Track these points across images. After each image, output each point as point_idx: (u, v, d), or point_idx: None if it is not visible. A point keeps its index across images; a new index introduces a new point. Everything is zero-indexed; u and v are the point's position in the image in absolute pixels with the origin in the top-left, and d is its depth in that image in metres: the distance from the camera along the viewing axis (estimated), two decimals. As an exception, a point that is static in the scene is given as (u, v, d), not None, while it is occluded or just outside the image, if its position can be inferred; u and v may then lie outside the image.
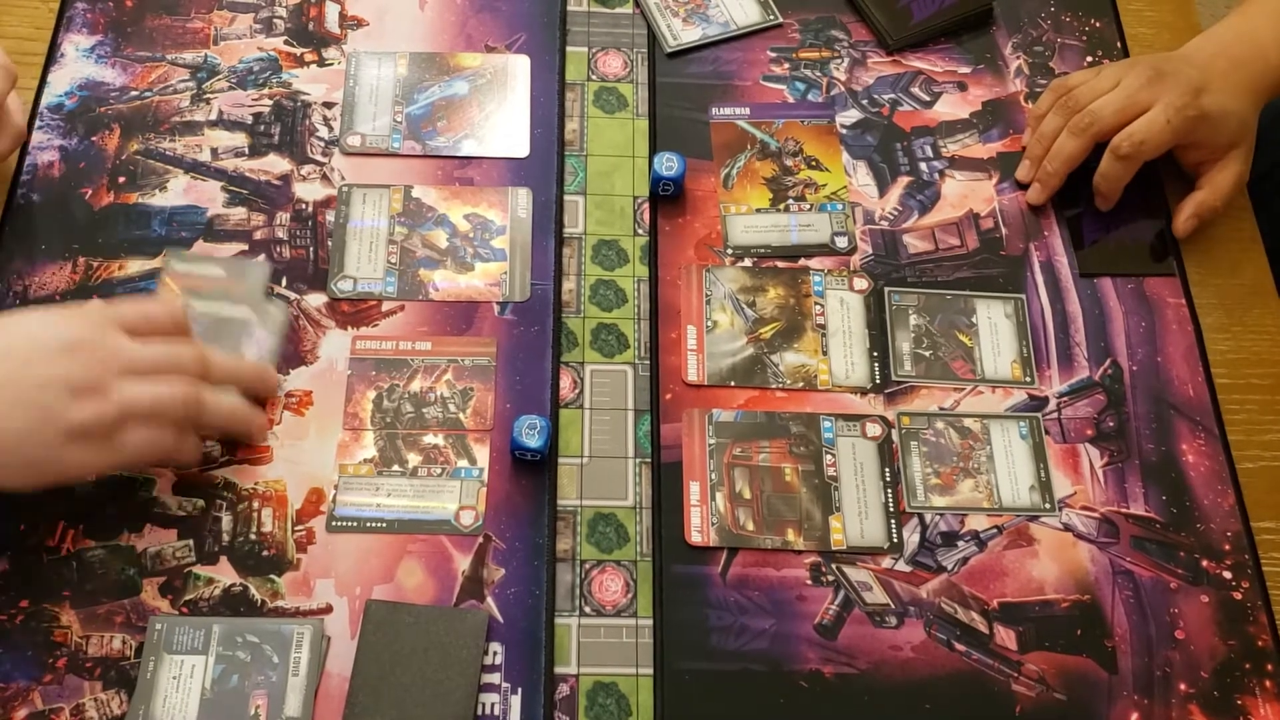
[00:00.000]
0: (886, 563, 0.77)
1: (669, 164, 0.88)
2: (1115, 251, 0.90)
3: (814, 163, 0.92)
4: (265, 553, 0.75)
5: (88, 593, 0.73)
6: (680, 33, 0.97)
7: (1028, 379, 0.84)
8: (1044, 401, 0.83)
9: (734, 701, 0.73)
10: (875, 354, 0.85)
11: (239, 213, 0.87)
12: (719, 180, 0.91)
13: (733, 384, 0.83)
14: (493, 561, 0.76)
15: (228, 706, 0.70)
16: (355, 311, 0.84)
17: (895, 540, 0.78)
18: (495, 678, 0.72)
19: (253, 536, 0.75)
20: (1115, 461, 0.82)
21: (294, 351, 0.82)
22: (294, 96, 0.92)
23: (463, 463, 0.79)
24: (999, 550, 0.78)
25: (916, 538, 0.78)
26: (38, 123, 0.89)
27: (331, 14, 0.96)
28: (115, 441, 0.69)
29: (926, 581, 0.77)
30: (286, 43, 0.95)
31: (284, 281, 0.84)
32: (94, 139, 0.89)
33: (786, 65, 0.97)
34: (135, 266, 0.84)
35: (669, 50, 0.97)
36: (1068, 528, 0.79)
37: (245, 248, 0.85)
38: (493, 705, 0.71)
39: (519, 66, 0.95)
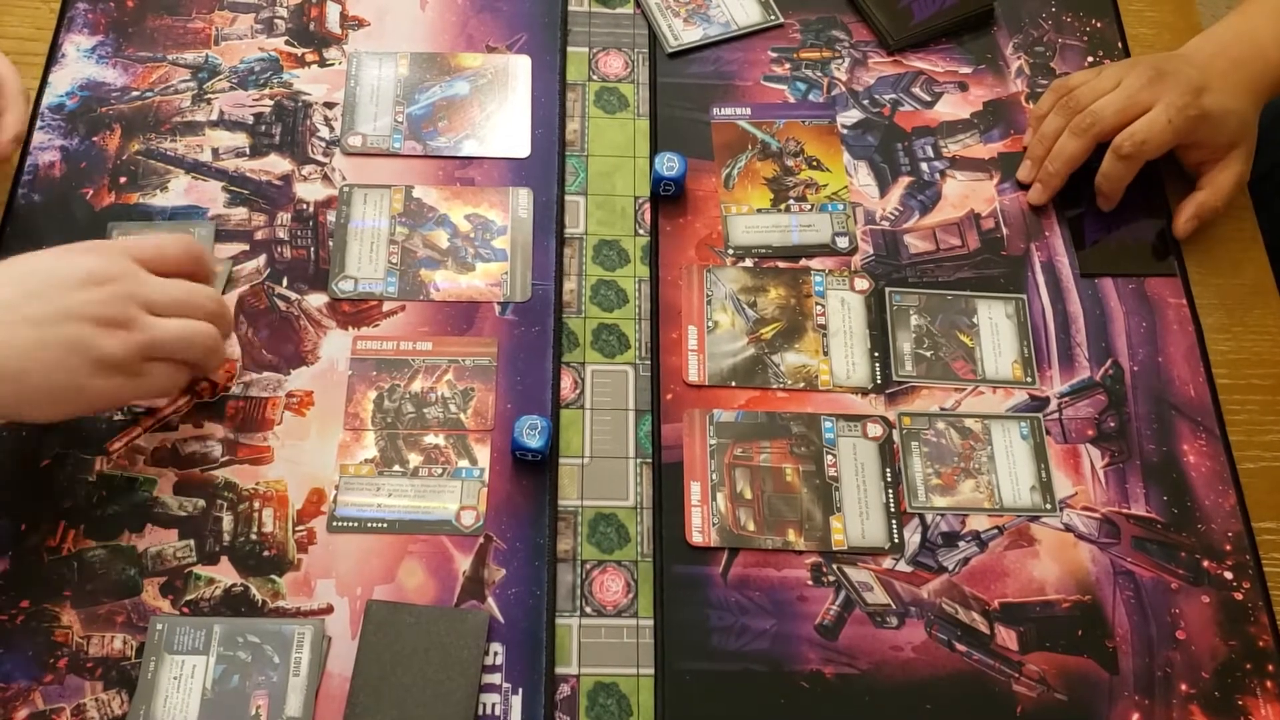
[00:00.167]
0: (887, 563, 0.77)
1: (670, 164, 0.88)
2: (1116, 252, 0.90)
3: (815, 163, 0.92)
4: (266, 553, 0.75)
5: (88, 593, 0.73)
6: (681, 33, 0.97)
7: (1029, 379, 0.84)
8: (1045, 402, 0.83)
9: (735, 702, 0.73)
10: (876, 354, 0.85)
11: (240, 213, 0.87)
12: (720, 180, 0.91)
13: (734, 384, 0.83)
14: (493, 562, 0.76)
15: (228, 707, 0.70)
16: (356, 312, 0.84)
17: (896, 540, 0.78)
18: (496, 678, 0.72)
19: (254, 537, 0.75)
20: (1116, 462, 0.81)
21: (295, 352, 0.82)
22: (295, 97, 0.92)
23: (463, 463, 0.79)
24: (1000, 551, 0.78)
25: (917, 538, 0.78)
26: (39, 123, 0.89)
27: (332, 14, 0.96)
28: (139, 375, 0.70)
29: (927, 582, 0.77)
30: (287, 43, 0.95)
31: (285, 282, 0.84)
32: (95, 139, 0.89)
33: (787, 65, 0.97)
34: (136, 267, 0.84)
35: (670, 50, 0.97)
36: (1069, 528, 0.79)
37: (246, 248, 0.85)
38: (493, 705, 0.72)
39: (520, 67, 0.95)
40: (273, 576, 0.74)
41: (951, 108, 0.96)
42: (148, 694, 0.70)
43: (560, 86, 0.94)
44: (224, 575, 0.74)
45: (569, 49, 0.96)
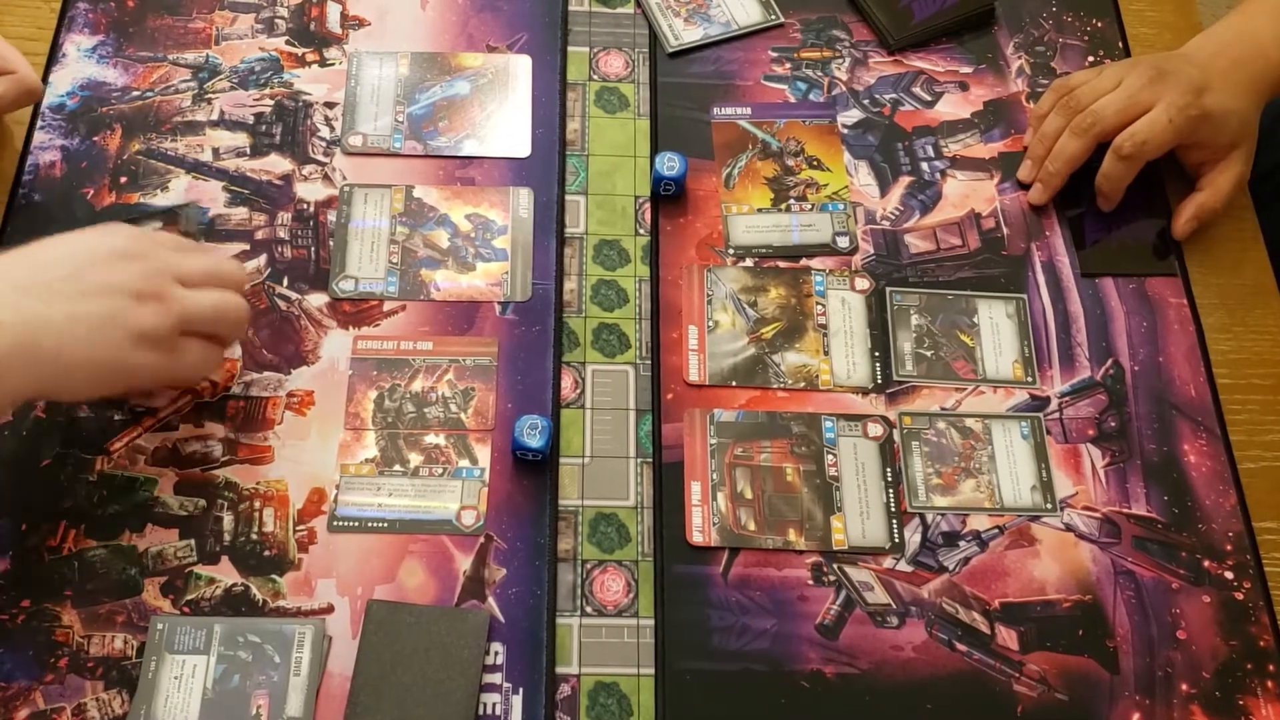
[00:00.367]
0: (888, 563, 0.77)
1: (670, 164, 0.88)
2: (1117, 251, 0.90)
3: (815, 162, 0.92)
4: (267, 552, 0.75)
5: (89, 592, 0.73)
6: (682, 32, 0.97)
7: (1029, 379, 0.84)
8: (1045, 401, 0.83)
9: (735, 702, 0.73)
10: (877, 354, 0.85)
11: (240, 213, 0.87)
12: (720, 180, 0.91)
13: (734, 384, 0.83)
14: (494, 561, 0.76)
15: (229, 706, 0.70)
16: (357, 311, 0.84)
17: (897, 540, 0.78)
18: (496, 678, 0.72)
19: (254, 536, 0.75)
20: (1117, 461, 0.81)
21: (295, 351, 0.82)
22: (295, 96, 0.92)
23: (464, 463, 0.79)
24: (1000, 550, 0.78)
25: (918, 538, 0.78)
26: (39, 123, 0.89)
27: (333, 14, 0.96)
28: (175, 350, 0.71)
29: (928, 581, 0.77)
30: (288, 43, 0.95)
31: (285, 282, 0.84)
32: (95, 139, 0.89)
33: (788, 65, 0.97)
34: (137, 266, 0.84)
35: (670, 50, 0.97)
36: (1069, 528, 0.79)
37: (247, 247, 0.85)
38: (494, 705, 0.72)
39: (520, 66, 0.95)
40: (273, 576, 0.74)
41: (952, 107, 0.96)
42: (148, 693, 0.70)
43: (561, 86, 0.94)
44: (225, 575, 0.74)
45: (569, 49, 0.96)
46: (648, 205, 0.90)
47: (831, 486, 0.79)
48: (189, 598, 0.73)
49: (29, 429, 0.78)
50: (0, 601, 0.72)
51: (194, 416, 0.79)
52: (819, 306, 0.86)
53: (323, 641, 0.72)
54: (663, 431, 0.81)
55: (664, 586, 0.76)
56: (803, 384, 0.83)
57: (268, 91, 0.92)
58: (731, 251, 0.88)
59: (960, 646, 0.75)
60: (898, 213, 0.91)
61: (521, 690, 0.72)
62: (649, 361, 0.83)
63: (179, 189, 0.87)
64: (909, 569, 0.77)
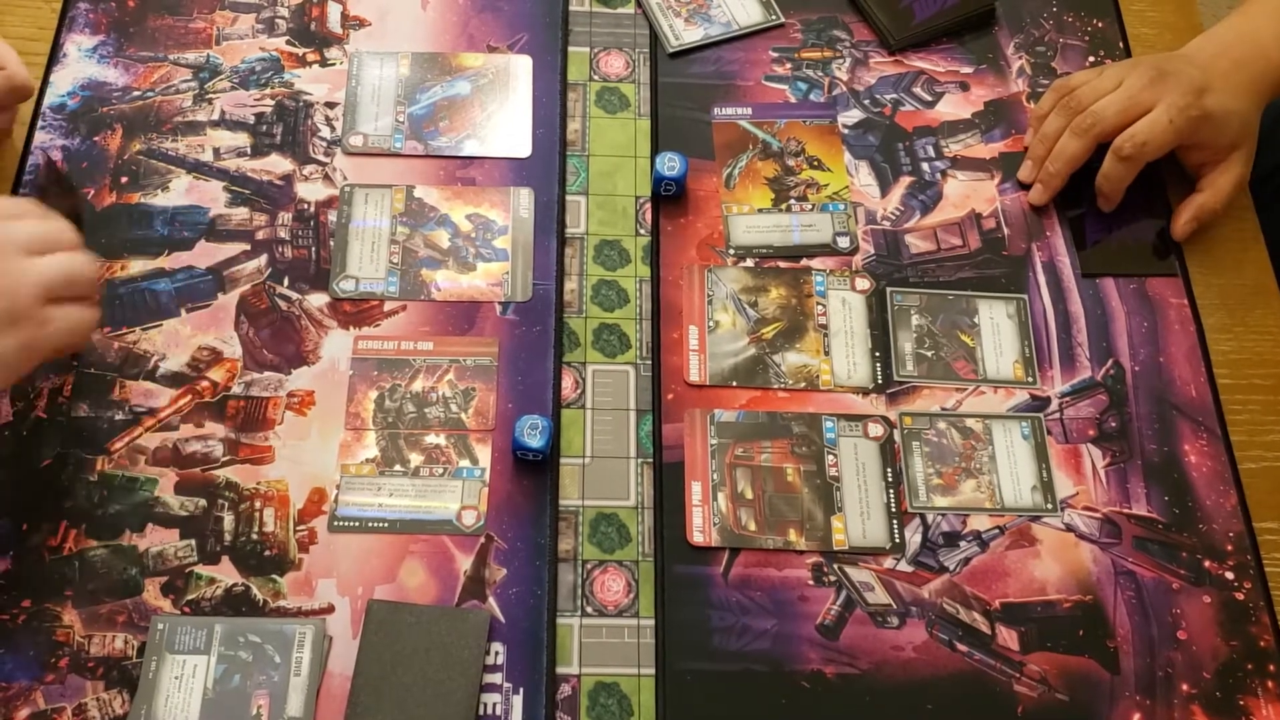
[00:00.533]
0: (888, 563, 0.77)
1: (671, 164, 0.88)
2: (1117, 252, 0.90)
3: (816, 163, 0.92)
4: (267, 552, 0.75)
5: (90, 592, 0.73)
6: (682, 33, 0.97)
7: (1030, 379, 0.84)
8: (1046, 402, 0.83)
9: (736, 702, 0.73)
10: (877, 354, 0.85)
11: (241, 213, 0.87)
12: (721, 180, 0.91)
13: (735, 384, 0.83)
14: (494, 561, 0.76)
15: (230, 706, 0.70)
16: (357, 311, 0.84)
17: (897, 540, 0.78)
18: (497, 678, 0.72)
19: (255, 536, 0.75)
20: (1117, 462, 0.81)
21: (296, 351, 0.82)
22: (296, 96, 0.92)
23: (464, 463, 0.79)
24: (1001, 550, 0.78)
25: (918, 538, 0.78)
26: (40, 123, 0.89)
27: (333, 14, 0.96)
28: (46, 322, 0.69)
29: (928, 582, 0.77)
30: (288, 43, 0.95)
31: (286, 282, 0.84)
32: (96, 139, 0.89)
33: (788, 65, 0.97)
34: (137, 266, 0.84)
35: (671, 50, 0.97)
36: (1070, 528, 0.79)
37: (247, 247, 0.85)
38: (494, 705, 0.72)
39: (521, 67, 0.95)
40: (274, 576, 0.74)
41: (953, 107, 0.96)
42: (149, 693, 0.70)
43: (561, 86, 0.94)
44: (225, 575, 0.74)
45: (570, 49, 0.96)
46: (648, 205, 0.90)
47: (832, 487, 0.79)
48: (189, 598, 0.73)
49: (30, 429, 0.78)
50: (1, 601, 0.72)
51: (194, 416, 0.79)
52: (819, 307, 0.86)
53: (323, 641, 0.72)
54: (663, 431, 0.81)
55: (664, 587, 0.76)
56: (803, 384, 0.83)
57: (268, 91, 0.92)
58: (732, 252, 0.88)
59: (961, 647, 0.75)
60: (898, 213, 0.91)
61: (522, 690, 0.72)
62: (649, 362, 0.83)
63: (179, 189, 0.87)
64: (909, 569, 0.77)
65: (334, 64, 0.94)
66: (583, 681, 0.73)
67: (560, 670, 0.73)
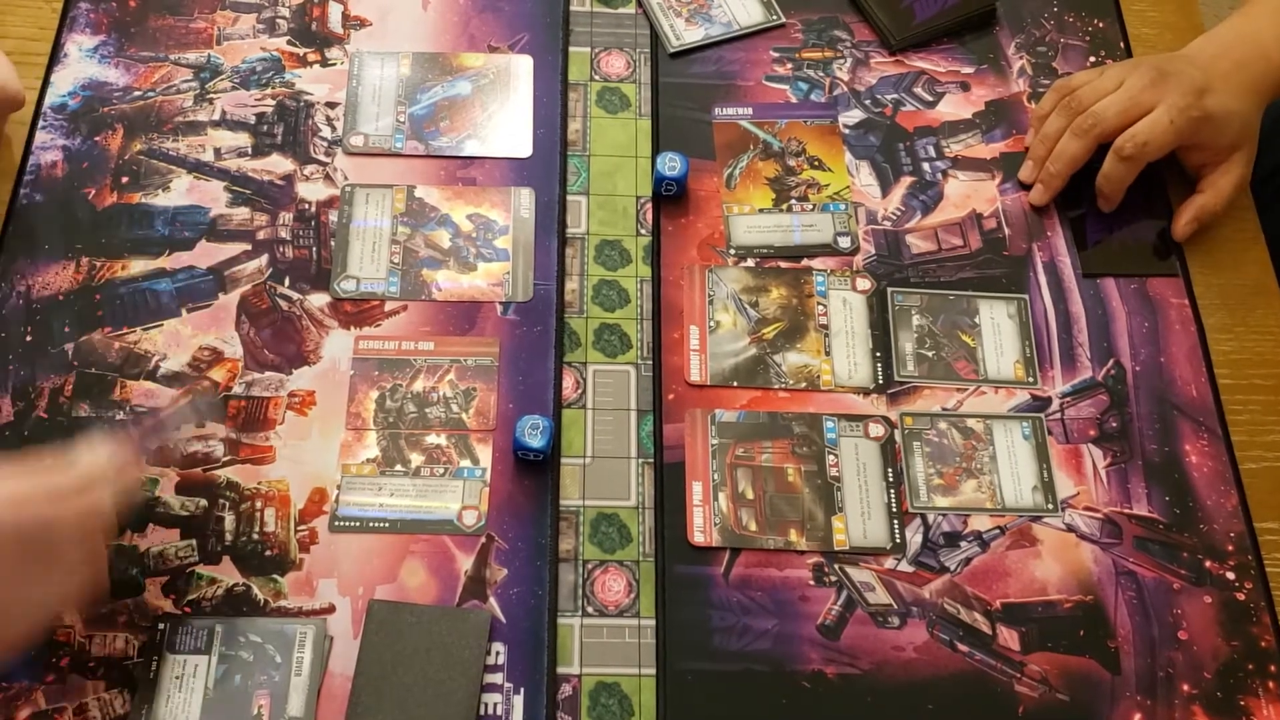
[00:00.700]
0: (889, 563, 0.77)
1: (672, 164, 0.88)
2: (1118, 252, 0.90)
3: (817, 163, 0.92)
4: (268, 552, 0.75)
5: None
6: (683, 33, 0.97)
7: (1030, 379, 0.84)
8: (1047, 402, 0.83)
9: (736, 702, 0.73)
10: (878, 354, 0.85)
11: (242, 213, 0.87)
12: (722, 180, 0.91)
13: (735, 384, 0.83)
14: (495, 561, 0.76)
15: (231, 706, 0.70)
16: (358, 311, 0.84)
17: (898, 541, 0.78)
18: (498, 678, 0.72)
19: (255, 536, 0.75)
20: (1118, 462, 0.81)
21: (297, 351, 0.82)
22: (297, 96, 0.92)
23: (465, 463, 0.79)
24: (1002, 551, 0.78)
25: (919, 538, 0.78)
26: (41, 123, 0.89)
27: (334, 14, 0.96)
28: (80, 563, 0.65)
29: (929, 582, 0.77)
30: (289, 43, 0.95)
31: (287, 281, 0.84)
32: (97, 139, 0.89)
33: (789, 65, 0.97)
34: (138, 266, 0.84)
35: (672, 50, 0.97)
36: (1070, 528, 0.79)
37: (248, 247, 0.85)
38: (495, 705, 0.72)
39: (522, 67, 0.95)
40: (275, 576, 0.74)
41: (953, 108, 0.96)
42: (150, 693, 0.70)
43: (562, 86, 0.94)
44: (226, 575, 0.74)
45: (571, 49, 0.96)
46: (649, 205, 0.90)
47: (833, 487, 0.79)
48: (190, 598, 0.73)
49: (31, 429, 0.78)
50: (2, 601, 0.72)
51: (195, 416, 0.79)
52: (820, 307, 0.86)
53: (324, 641, 0.72)
54: (664, 432, 0.81)
55: (665, 587, 0.76)
56: (804, 384, 0.83)
57: (269, 91, 0.92)
58: (733, 252, 0.88)
59: (961, 647, 0.75)
60: (899, 213, 0.91)
61: (523, 690, 0.72)
62: (650, 362, 0.83)
63: (180, 189, 0.87)
64: (910, 569, 0.77)
65: (335, 64, 0.94)
66: (583, 681, 0.73)
67: (561, 670, 0.73)
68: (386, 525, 0.76)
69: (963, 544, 0.78)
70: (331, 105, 0.92)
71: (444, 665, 0.71)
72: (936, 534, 0.78)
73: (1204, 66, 0.88)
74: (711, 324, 0.85)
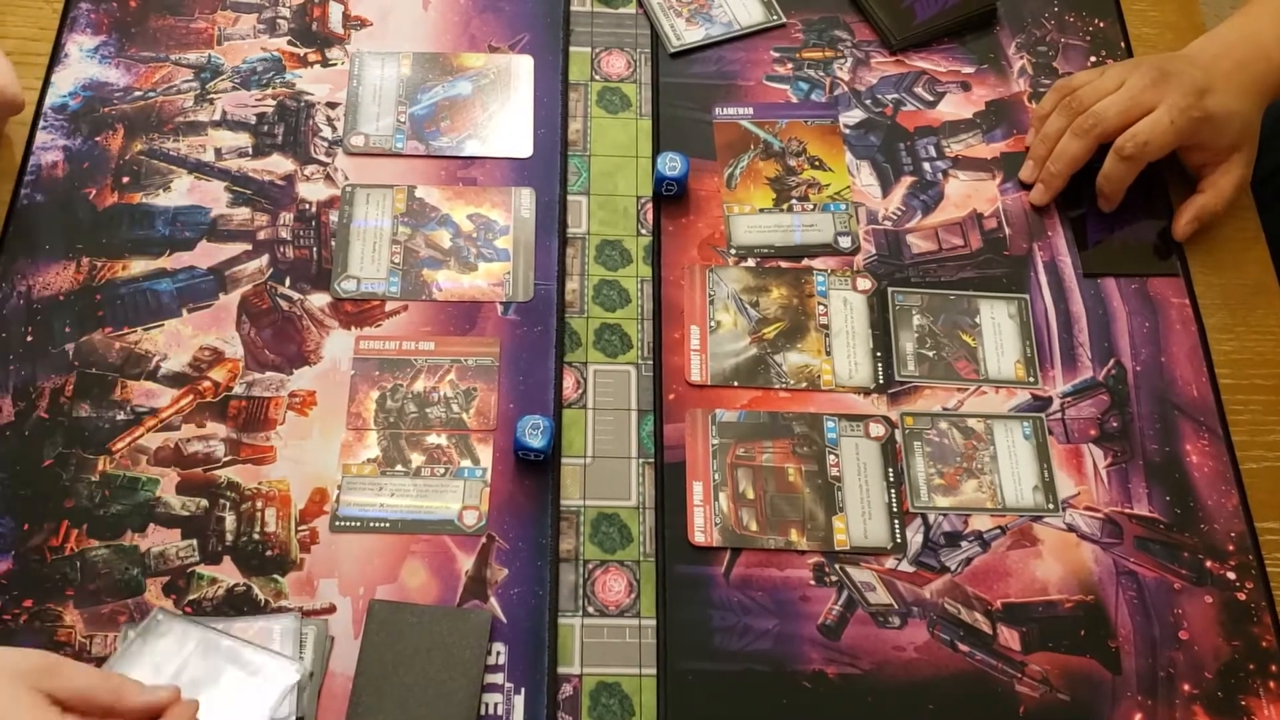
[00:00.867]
0: (890, 563, 0.77)
1: (672, 164, 0.88)
2: (1119, 252, 0.90)
3: (817, 163, 0.92)
4: (269, 552, 0.75)
5: (91, 593, 0.73)
6: (684, 33, 0.97)
7: (1031, 379, 0.84)
8: (1047, 402, 0.83)
9: (737, 702, 0.73)
10: (878, 354, 0.85)
11: (242, 213, 0.87)
12: (722, 180, 0.91)
13: (736, 384, 0.83)
14: (496, 561, 0.76)
15: (231, 706, 0.70)
16: (359, 311, 0.84)
17: (898, 540, 0.78)
18: (498, 678, 0.72)
19: (256, 536, 0.75)
20: (1119, 462, 0.81)
21: (297, 351, 0.82)
22: (297, 96, 0.92)
23: (466, 463, 0.79)
24: (1002, 551, 0.78)
25: (920, 538, 0.78)
26: (41, 123, 0.89)
27: (335, 14, 0.96)
28: None
29: (930, 582, 0.77)
30: (290, 43, 0.95)
31: (287, 282, 0.84)
32: (98, 139, 0.89)
33: (790, 65, 0.97)
34: (139, 266, 0.84)
35: (672, 50, 0.97)
36: (1071, 528, 0.79)
37: (249, 247, 0.85)
38: (496, 705, 0.72)
39: (522, 67, 0.95)
40: (275, 576, 0.74)
41: (954, 107, 0.96)
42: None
43: (562, 86, 0.94)
44: (227, 575, 0.74)
45: (571, 49, 0.96)
46: (649, 205, 0.90)
47: (833, 487, 0.79)
48: (191, 597, 0.73)
49: (31, 429, 0.78)
50: (3, 602, 0.72)
51: (196, 416, 0.79)
52: (821, 307, 0.86)
53: (325, 641, 0.72)
54: (664, 432, 0.81)
55: (666, 587, 0.76)
56: (805, 384, 0.83)
57: (270, 92, 0.92)
58: (733, 251, 0.88)
59: (962, 647, 0.75)
60: (900, 213, 0.91)
61: (523, 690, 0.72)
62: (651, 362, 0.83)
63: (181, 189, 0.87)
64: (911, 569, 0.77)
65: (335, 64, 0.94)
66: (584, 681, 0.73)
67: (561, 670, 0.73)
68: (387, 525, 0.76)
69: (963, 544, 0.78)
70: (332, 105, 0.92)
71: (445, 665, 0.71)
72: (937, 534, 0.78)
73: (1205, 66, 0.88)
74: (712, 324, 0.85)
